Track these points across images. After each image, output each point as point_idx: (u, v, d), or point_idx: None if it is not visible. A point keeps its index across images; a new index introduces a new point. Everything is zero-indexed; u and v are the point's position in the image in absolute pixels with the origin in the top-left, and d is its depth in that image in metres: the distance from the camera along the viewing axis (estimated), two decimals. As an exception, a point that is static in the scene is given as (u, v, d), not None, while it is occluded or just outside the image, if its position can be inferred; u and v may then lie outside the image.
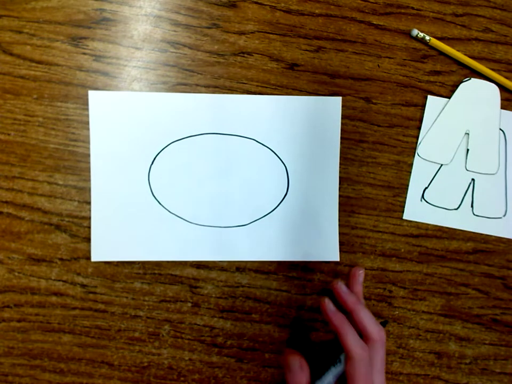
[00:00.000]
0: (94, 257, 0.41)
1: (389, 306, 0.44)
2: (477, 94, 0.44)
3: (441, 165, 0.44)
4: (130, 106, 0.41)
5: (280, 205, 0.42)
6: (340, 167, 0.42)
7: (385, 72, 0.43)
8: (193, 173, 0.41)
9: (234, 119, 0.41)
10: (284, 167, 0.42)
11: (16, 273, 0.41)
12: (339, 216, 0.43)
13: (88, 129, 0.41)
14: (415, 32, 0.43)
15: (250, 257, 0.42)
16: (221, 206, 0.42)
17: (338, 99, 0.42)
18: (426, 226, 0.44)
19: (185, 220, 0.41)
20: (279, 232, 0.42)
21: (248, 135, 0.42)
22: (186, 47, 0.42)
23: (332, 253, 0.42)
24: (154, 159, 0.41)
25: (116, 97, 0.41)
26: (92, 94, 0.40)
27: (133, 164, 0.41)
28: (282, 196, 0.42)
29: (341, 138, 0.42)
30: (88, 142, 0.41)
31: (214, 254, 0.42)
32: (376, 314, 0.43)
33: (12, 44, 0.40)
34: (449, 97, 0.43)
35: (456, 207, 0.44)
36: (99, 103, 0.41)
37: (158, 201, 0.41)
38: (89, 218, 0.41)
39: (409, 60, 0.43)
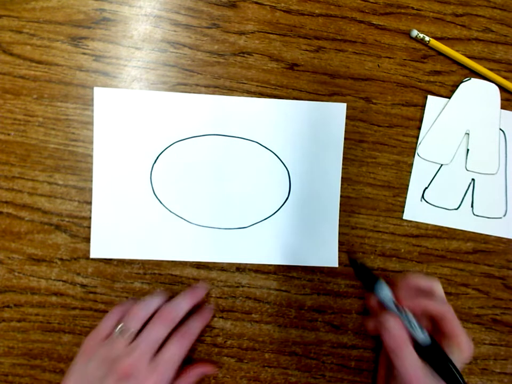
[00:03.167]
0: (93, 254, 0.41)
1: (389, 306, 0.44)
2: (477, 94, 0.44)
3: (441, 165, 0.44)
4: (135, 105, 0.41)
5: (281, 209, 0.42)
6: (340, 167, 0.43)
7: (385, 72, 0.43)
8: (195, 173, 0.41)
9: (238, 121, 0.41)
10: (286, 171, 0.42)
11: (16, 273, 0.41)
12: (339, 216, 0.43)
13: (88, 129, 0.41)
14: (414, 32, 0.43)
15: (249, 260, 0.42)
16: (222, 208, 0.42)
17: (343, 105, 0.42)
18: (426, 226, 0.44)
19: (186, 220, 0.41)
20: (278, 236, 0.42)
21: (251, 138, 0.42)
22: (186, 47, 0.42)
23: (330, 259, 0.42)
24: (157, 158, 0.41)
25: (121, 94, 0.41)
26: (97, 91, 0.40)
27: (136, 162, 0.41)
28: (284, 200, 0.42)
29: (341, 138, 0.43)
30: (89, 142, 0.41)
31: (214, 255, 0.42)
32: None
33: (12, 43, 0.40)
34: (449, 97, 0.43)
35: (456, 207, 0.44)
36: (104, 100, 0.40)
37: (159, 201, 0.41)
38: (89, 218, 0.41)
39: (409, 60, 0.43)
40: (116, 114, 0.41)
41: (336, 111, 0.42)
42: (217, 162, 0.42)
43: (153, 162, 0.41)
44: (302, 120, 0.42)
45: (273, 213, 0.42)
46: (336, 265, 0.42)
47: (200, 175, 0.41)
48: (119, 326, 0.36)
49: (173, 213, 0.41)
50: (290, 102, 0.42)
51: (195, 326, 0.38)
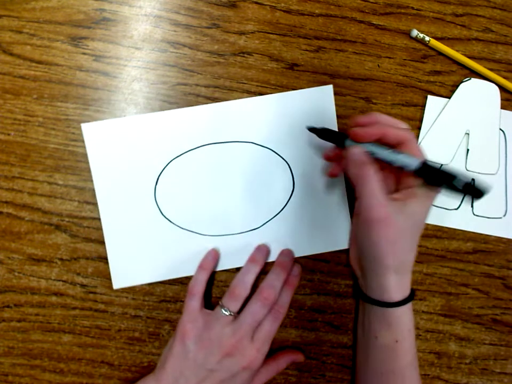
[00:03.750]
0: (116, 285, 0.41)
1: (389, 306, 0.43)
2: (477, 94, 0.44)
3: (441, 165, 0.44)
4: (125, 132, 0.41)
5: (289, 202, 0.42)
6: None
7: (385, 72, 0.43)
8: (198, 186, 0.41)
9: (230, 126, 0.41)
10: (287, 165, 0.42)
11: (16, 273, 0.41)
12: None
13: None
14: (414, 32, 0.43)
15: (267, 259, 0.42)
16: (231, 213, 0.42)
17: (329, 87, 0.42)
18: (426, 226, 0.44)
19: (200, 234, 0.41)
20: (291, 230, 0.42)
21: (246, 139, 0.42)
22: (186, 47, 0.42)
23: (346, 241, 0.42)
24: (158, 179, 0.41)
25: (109, 125, 0.40)
26: (85, 127, 0.40)
27: (138, 189, 0.41)
28: (290, 193, 0.42)
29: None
30: (88, 142, 0.41)
31: (232, 262, 0.42)
32: (376, 314, 0.43)
33: (12, 43, 0.40)
34: (449, 97, 0.43)
35: (456, 207, 0.44)
36: (93, 134, 0.40)
37: (169, 220, 0.41)
38: (89, 218, 0.41)
39: (409, 60, 0.43)
40: (108, 146, 0.40)
41: (324, 94, 0.42)
42: (218, 171, 0.41)
43: (155, 184, 0.41)
44: (292, 111, 0.42)
45: (282, 208, 0.42)
46: None
47: (203, 187, 0.41)
48: (223, 310, 0.37)
49: (184, 229, 0.41)
50: (276, 95, 0.42)
51: (285, 298, 0.39)
